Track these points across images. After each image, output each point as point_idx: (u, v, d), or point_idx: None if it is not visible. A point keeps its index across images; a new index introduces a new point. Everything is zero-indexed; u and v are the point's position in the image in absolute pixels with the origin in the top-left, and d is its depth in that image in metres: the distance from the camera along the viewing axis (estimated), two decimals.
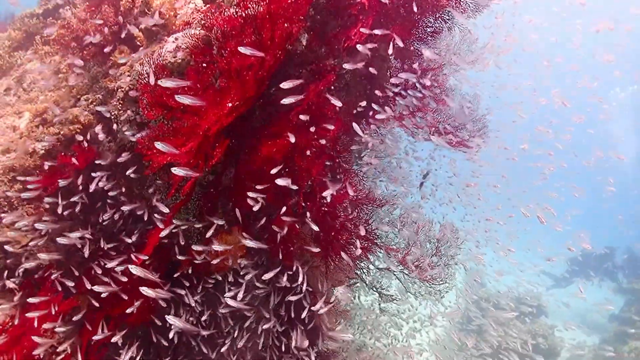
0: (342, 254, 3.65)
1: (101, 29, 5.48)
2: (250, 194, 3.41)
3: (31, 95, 5.99)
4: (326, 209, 3.72)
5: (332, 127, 3.39)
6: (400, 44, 3.49)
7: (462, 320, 14.97)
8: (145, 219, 4.28)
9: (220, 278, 4.59)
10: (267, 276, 3.77)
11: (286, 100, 3.21)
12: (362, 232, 3.70)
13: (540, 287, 19.28)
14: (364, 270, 4.41)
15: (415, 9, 3.77)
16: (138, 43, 4.98)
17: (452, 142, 5.20)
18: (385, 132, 5.15)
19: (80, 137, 4.72)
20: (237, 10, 3.32)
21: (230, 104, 3.13)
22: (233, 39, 3.23)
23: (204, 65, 3.31)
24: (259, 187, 3.40)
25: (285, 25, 3.16)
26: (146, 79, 3.50)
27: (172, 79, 3.36)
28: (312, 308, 3.81)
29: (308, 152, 3.42)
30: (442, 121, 5.12)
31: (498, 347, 12.68)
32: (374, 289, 4.81)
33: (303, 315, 3.94)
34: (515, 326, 13.81)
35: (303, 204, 3.63)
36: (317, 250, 3.72)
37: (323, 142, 3.39)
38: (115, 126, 4.42)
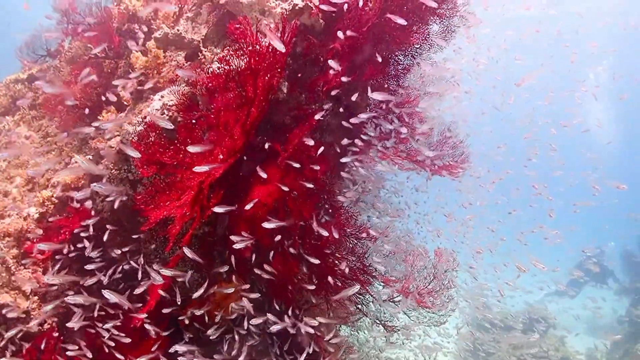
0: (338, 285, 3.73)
1: (86, 90, 5.63)
2: (236, 238, 3.50)
3: (21, 159, 6.09)
4: (321, 247, 3.82)
5: (318, 168, 3.53)
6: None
7: (470, 347, 14.92)
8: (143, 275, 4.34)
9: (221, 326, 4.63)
10: (255, 322, 3.84)
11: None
12: (359, 265, 3.79)
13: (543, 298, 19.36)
14: (365, 304, 4.48)
15: (385, 49, 3.98)
16: (125, 102, 5.13)
17: (434, 168, 5.36)
18: (370, 167, 5.29)
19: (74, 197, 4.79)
20: (219, 65, 3.48)
21: (221, 156, 3.26)
22: (218, 94, 3.38)
23: (193, 122, 3.45)
24: (242, 235, 3.48)
25: (267, 77, 3.32)
26: (136, 139, 3.63)
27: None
28: (316, 349, 3.87)
29: (297, 194, 3.54)
30: (421, 150, 5.28)
31: None
32: (378, 322, 4.87)
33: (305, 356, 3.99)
34: (527, 344, 13.79)
35: (299, 243, 3.72)
36: (313, 287, 3.79)
37: (310, 186, 3.52)
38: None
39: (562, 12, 33.09)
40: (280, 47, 3.17)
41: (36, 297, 5.09)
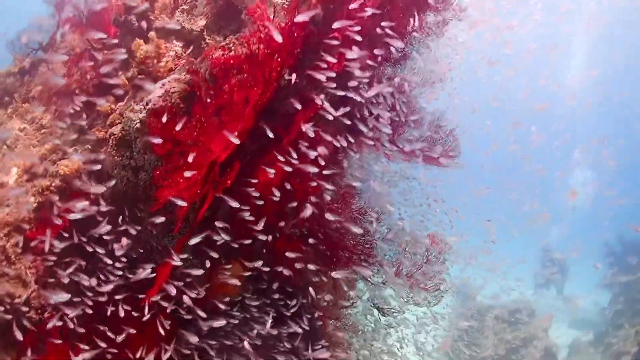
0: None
1: (83, 81, 5.68)
2: (246, 214, 3.61)
3: (16, 151, 6.10)
4: (325, 225, 3.96)
5: (321, 151, 3.68)
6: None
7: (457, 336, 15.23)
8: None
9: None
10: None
11: None
12: (364, 243, 3.95)
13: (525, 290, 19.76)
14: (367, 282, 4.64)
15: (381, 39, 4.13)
16: (121, 92, 5.20)
17: (426, 159, 5.52)
18: (364, 155, 5.44)
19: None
20: (238, 48, 3.59)
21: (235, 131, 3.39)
22: (236, 74, 3.51)
23: (209, 100, 3.57)
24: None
25: (282, 59, 3.46)
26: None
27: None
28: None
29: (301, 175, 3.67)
30: (415, 139, 5.44)
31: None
32: (373, 305, 5.03)
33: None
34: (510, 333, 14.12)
35: (303, 223, 3.87)
36: (316, 267, 3.93)
37: (314, 169, 3.65)
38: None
39: None
40: (297, 31, 3.30)
41: (36, 286, 5.14)
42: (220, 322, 4.03)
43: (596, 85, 39.47)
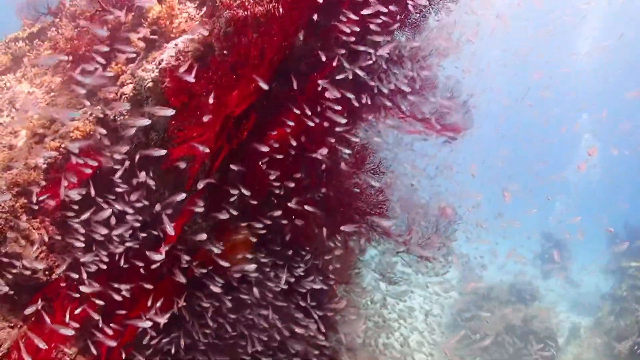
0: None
1: (92, 44, 5.63)
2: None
3: (26, 115, 6.08)
4: (339, 184, 3.94)
5: (337, 108, 3.63)
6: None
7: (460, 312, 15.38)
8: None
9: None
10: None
11: None
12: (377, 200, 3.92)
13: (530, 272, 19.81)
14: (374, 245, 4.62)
15: None
16: (133, 55, 5.14)
17: (438, 129, 5.46)
18: (378, 126, 5.38)
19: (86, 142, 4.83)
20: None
21: (251, 86, 3.35)
22: (254, 27, 3.45)
23: (225, 52, 3.53)
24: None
25: (303, 12, 3.41)
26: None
27: None
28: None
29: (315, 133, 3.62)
30: (428, 109, 5.37)
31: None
32: (378, 273, 5.03)
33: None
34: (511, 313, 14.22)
35: (316, 183, 3.84)
36: (327, 230, 3.92)
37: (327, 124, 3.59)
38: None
39: None
40: None
41: (44, 247, 5.14)
42: (250, 267, 4.01)
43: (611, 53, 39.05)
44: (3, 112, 6.37)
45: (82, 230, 4.39)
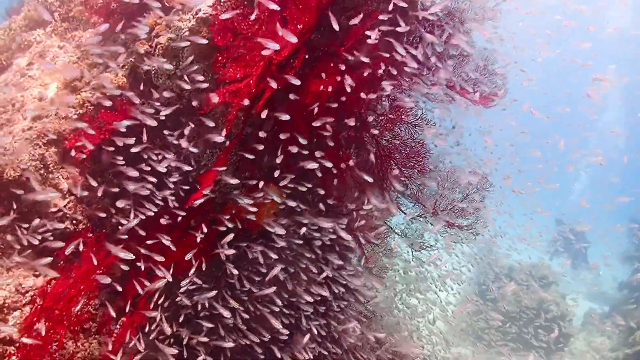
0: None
1: None
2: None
3: (56, 67, 6.08)
4: (378, 135, 3.90)
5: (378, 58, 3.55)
6: None
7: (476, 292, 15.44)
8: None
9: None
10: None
11: None
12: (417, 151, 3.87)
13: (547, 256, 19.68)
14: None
15: None
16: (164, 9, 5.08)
17: (472, 97, 5.36)
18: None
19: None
20: None
21: (298, 27, 3.30)
22: None
23: None
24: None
25: None
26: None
27: None
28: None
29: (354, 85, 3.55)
30: (463, 77, 5.27)
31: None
32: (405, 236, 5.00)
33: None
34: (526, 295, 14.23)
35: (354, 135, 3.80)
36: (370, 179, 3.88)
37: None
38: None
39: None
40: None
41: (73, 197, 5.17)
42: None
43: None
44: (33, 65, 6.38)
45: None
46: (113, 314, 4.57)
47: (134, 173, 4.27)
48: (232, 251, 4.21)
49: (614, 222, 21.53)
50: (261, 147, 4.19)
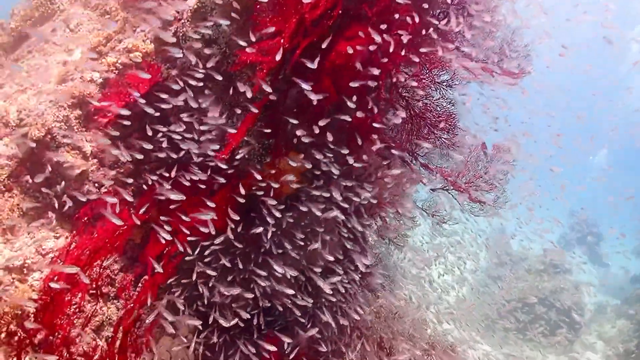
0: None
1: None
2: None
3: (80, 34, 6.10)
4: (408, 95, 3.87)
5: (411, 20, 3.52)
6: None
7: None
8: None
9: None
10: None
11: None
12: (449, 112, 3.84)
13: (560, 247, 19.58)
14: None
15: None
16: None
17: (497, 72, 5.29)
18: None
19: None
20: None
21: None
22: None
23: None
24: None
25: None
26: None
27: None
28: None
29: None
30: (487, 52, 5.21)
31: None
32: (426, 212, 4.99)
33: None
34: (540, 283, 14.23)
35: (384, 95, 3.78)
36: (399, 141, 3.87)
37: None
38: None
39: None
40: None
41: (95, 160, 5.20)
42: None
43: None
44: (57, 31, 6.40)
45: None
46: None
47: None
48: (277, 214, 4.20)
49: (630, 214, 21.39)
50: (287, 115, 4.18)
